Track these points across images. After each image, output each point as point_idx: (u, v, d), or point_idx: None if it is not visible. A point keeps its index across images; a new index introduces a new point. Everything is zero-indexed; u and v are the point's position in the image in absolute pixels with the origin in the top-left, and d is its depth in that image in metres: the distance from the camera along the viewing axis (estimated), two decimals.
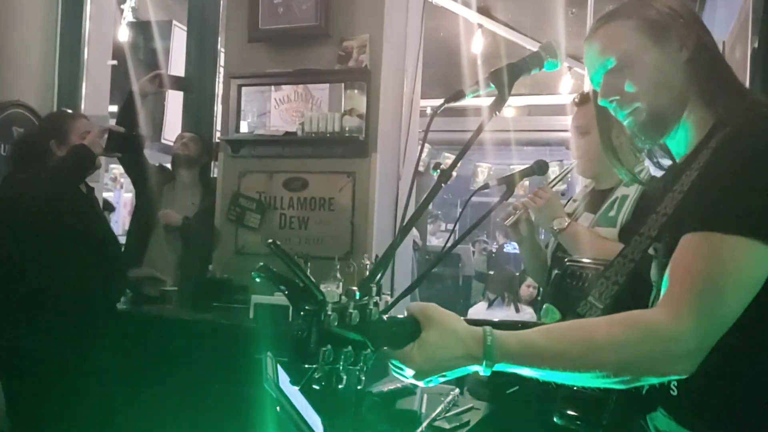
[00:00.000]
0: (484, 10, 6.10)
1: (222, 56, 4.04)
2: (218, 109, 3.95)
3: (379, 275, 1.10)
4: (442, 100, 1.22)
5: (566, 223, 1.96)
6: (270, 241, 0.96)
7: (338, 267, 2.95)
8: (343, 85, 3.25)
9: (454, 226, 4.01)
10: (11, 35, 3.80)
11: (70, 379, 2.64)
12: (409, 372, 0.99)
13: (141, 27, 5.49)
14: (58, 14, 4.06)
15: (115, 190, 8.13)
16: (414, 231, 5.05)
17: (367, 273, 2.92)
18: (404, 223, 1.13)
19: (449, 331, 0.99)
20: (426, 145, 4.67)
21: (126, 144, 3.08)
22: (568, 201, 2.27)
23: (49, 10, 4.02)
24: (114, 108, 4.42)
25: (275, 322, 2.75)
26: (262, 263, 0.93)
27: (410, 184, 3.51)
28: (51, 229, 2.69)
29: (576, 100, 2.12)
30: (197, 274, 3.35)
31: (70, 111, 3.66)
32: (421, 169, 4.58)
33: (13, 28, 3.81)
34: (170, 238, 3.40)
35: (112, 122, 3.38)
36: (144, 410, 2.72)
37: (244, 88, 3.47)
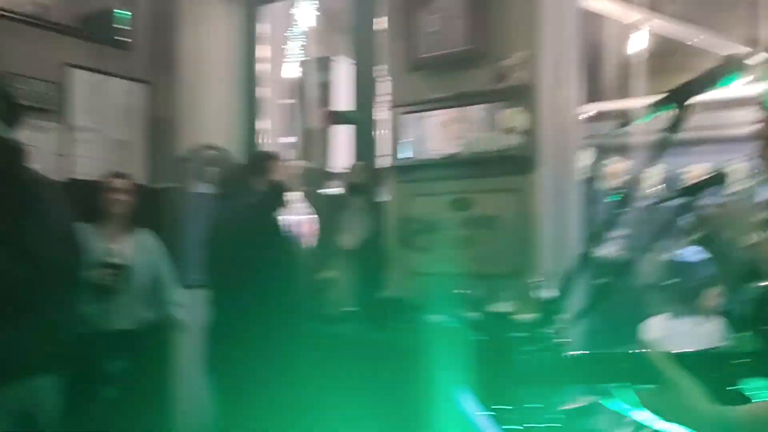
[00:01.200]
0: (647, 9, 5.84)
1: (382, 86, 4.24)
2: (382, 136, 4.13)
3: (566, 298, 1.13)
4: (602, 104, 1.21)
5: (758, 239, 1.85)
6: None
7: (509, 286, 2.96)
8: (502, 103, 3.29)
9: (629, 236, 3.82)
10: (203, 85, 4.34)
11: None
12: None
13: (308, 64, 5.87)
14: (236, 59, 4.53)
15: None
16: None
17: (540, 291, 2.90)
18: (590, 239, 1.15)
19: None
20: (593, 149, 4.58)
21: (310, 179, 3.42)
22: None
23: (228, 57, 4.50)
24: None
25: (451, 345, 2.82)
26: None
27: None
28: (253, 255, 3.08)
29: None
30: (373, 295, 3.53)
31: (269, 151, 4.09)
32: (589, 175, 4.51)
33: (206, 79, 4.37)
34: (348, 261, 3.64)
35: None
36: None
37: (407, 116, 3.62)
